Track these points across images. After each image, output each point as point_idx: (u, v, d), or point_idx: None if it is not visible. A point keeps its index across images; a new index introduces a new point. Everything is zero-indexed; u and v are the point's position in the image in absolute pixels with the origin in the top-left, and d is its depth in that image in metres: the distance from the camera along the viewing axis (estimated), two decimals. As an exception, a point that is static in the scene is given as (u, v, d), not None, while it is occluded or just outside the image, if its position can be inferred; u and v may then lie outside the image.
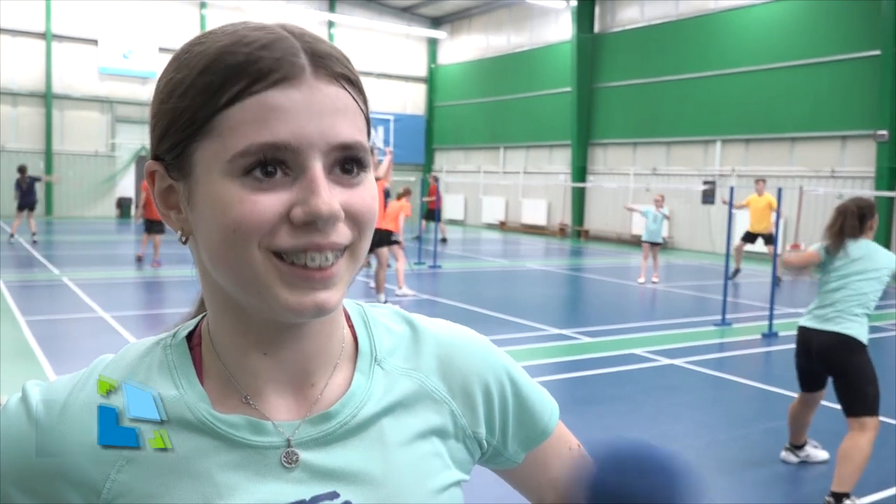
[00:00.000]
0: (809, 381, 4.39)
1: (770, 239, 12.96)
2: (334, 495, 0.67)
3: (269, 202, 0.60)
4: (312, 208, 0.60)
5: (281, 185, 0.61)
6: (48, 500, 0.66)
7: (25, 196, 15.49)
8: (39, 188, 23.71)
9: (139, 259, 12.95)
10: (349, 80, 0.64)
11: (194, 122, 0.62)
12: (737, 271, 13.19)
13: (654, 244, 12.63)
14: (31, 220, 15.48)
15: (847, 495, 3.94)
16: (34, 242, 15.31)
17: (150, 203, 12.40)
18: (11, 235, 15.44)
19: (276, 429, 0.67)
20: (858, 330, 4.14)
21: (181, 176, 0.65)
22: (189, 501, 0.65)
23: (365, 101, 0.67)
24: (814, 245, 4.42)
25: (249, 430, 0.67)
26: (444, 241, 19.10)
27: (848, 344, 4.12)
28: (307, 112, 0.61)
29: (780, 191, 8.64)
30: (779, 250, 9.36)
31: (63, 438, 0.66)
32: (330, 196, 0.61)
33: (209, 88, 0.61)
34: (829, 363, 4.19)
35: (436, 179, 18.77)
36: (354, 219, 0.64)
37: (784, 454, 4.68)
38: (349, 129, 0.63)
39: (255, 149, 0.60)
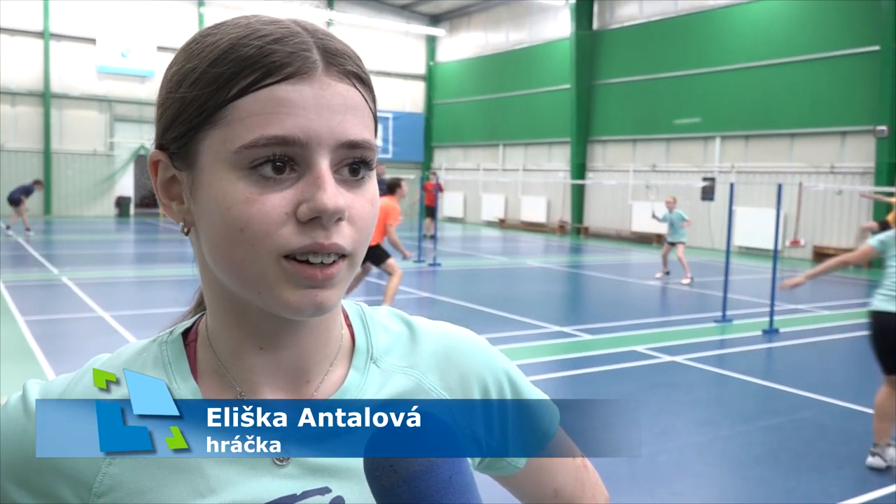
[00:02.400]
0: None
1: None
2: (326, 490, 0.67)
3: (277, 202, 0.60)
4: (318, 204, 0.60)
5: (287, 183, 0.61)
6: (43, 495, 0.65)
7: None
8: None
9: None
10: (360, 79, 0.65)
11: (203, 111, 0.62)
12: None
13: (670, 243, 12.69)
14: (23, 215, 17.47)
15: None
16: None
17: None
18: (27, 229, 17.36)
19: None
20: None
21: (185, 166, 0.65)
22: (180, 496, 0.64)
23: (374, 101, 0.67)
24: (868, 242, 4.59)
25: None
26: (431, 236, 18.80)
27: None
28: (317, 108, 0.61)
29: (780, 187, 8.62)
30: (779, 247, 9.35)
31: None
32: (335, 192, 0.61)
33: (220, 79, 0.61)
34: None
35: (435, 175, 18.81)
36: (354, 223, 0.64)
37: (871, 460, 4.36)
38: (358, 128, 0.63)
39: (264, 141, 0.60)
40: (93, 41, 24.10)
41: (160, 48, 24.76)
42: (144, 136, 24.86)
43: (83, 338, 7.26)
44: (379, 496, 0.57)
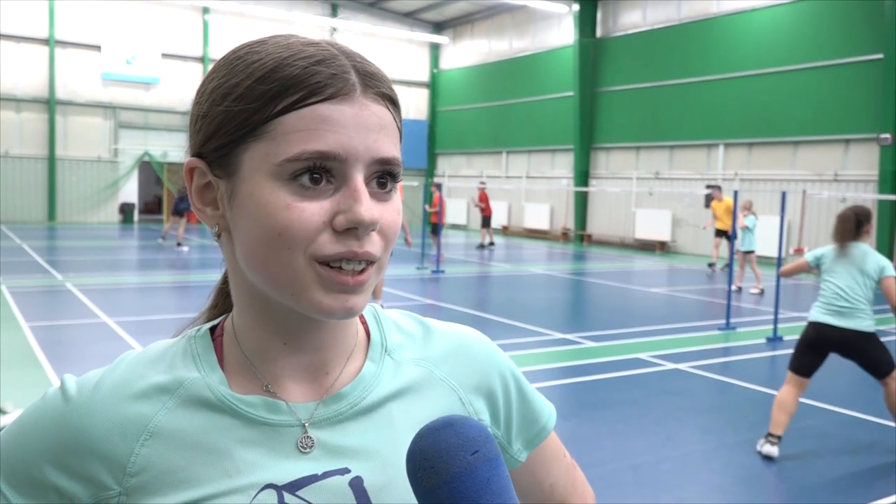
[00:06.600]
0: (809, 368, 4.80)
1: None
2: (345, 471, 0.71)
3: (314, 210, 0.65)
4: (356, 216, 0.65)
5: (324, 194, 0.66)
6: (80, 476, 0.69)
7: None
8: (41, 194, 23.92)
9: None
10: (391, 100, 0.71)
11: (247, 125, 0.67)
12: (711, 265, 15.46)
13: (743, 252, 12.70)
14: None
15: None
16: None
17: None
18: (173, 241, 17.17)
19: (290, 408, 0.72)
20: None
21: (225, 174, 0.69)
22: (209, 476, 0.69)
23: (401, 119, 0.73)
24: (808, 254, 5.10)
25: (266, 409, 0.71)
26: (491, 244, 20.15)
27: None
28: (355, 126, 0.66)
29: (783, 194, 8.62)
30: (783, 254, 9.34)
31: (93, 414, 0.69)
32: (371, 205, 0.66)
33: (265, 96, 0.66)
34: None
35: (483, 184, 20.33)
36: (383, 232, 0.69)
37: (768, 448, 4.67)
38: (389, 146, 0.68)
39: (307, 156, 0.64)
40: (98, 48, 24.21)
41: (165, 55, 24.86)
42: (149, 143, 24.94)
43: (87, 343, 7.27)
44: (421, 496, 0.61)
